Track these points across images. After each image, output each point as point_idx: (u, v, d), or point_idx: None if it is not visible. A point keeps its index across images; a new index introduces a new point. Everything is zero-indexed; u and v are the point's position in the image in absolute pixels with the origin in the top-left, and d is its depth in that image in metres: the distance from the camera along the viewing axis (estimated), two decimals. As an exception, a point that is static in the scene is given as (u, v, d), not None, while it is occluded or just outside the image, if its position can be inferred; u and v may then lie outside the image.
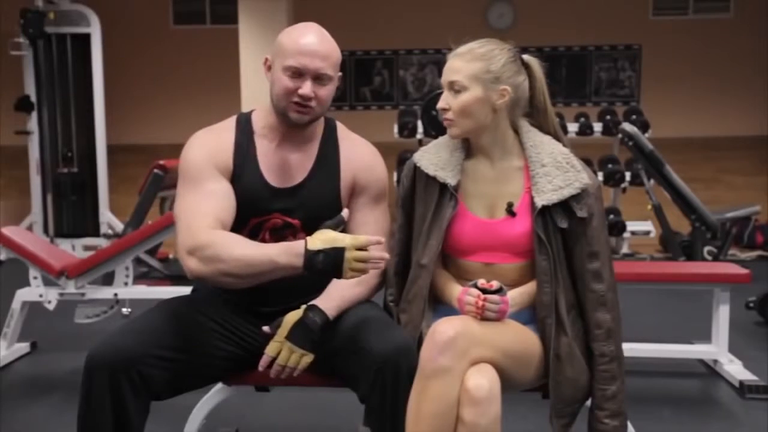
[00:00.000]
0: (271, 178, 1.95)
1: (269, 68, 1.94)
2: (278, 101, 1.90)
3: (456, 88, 1.87)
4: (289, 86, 1.87)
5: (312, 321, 1.83)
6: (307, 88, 1.86)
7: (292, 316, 1.84)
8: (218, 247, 1.74)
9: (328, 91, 1.91)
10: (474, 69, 1.86)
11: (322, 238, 1.70)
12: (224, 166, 1.92)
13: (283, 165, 1.96)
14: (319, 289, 1.95)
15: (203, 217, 1.81)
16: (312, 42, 1.87)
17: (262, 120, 2.00)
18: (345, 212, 1.82)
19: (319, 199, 1.96)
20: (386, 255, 1.77)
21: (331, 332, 1.88)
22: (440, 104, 1.91)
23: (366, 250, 1.70)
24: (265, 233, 1.95)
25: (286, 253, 1.71)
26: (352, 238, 1.71)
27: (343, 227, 1.80)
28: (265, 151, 1.97)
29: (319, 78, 1.87)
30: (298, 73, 1.86)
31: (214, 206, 1.84)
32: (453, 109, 1.88)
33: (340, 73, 1.95)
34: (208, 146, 1.93)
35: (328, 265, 1.68)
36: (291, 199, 1.95)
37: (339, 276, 1.71)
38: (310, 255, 1.68)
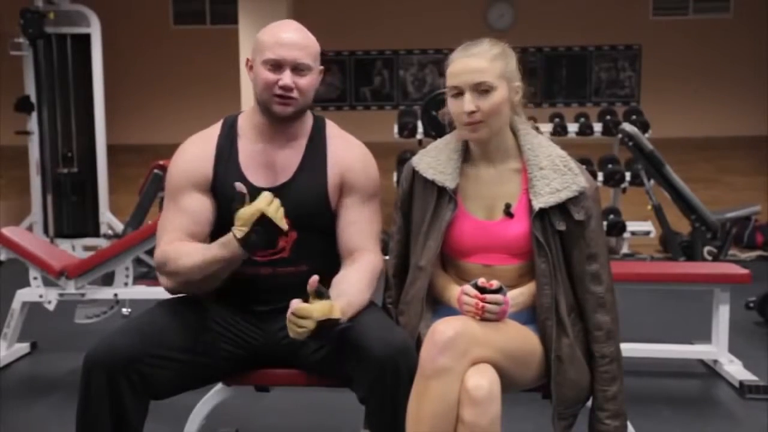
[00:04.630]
0: (256, 178, 1.96)
1: (251, 68, 1.96)
2: (261, 95, 1.93)
3: (483, 89, 1.84)
4: (269, 78, 1.89)
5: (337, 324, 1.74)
6: (287, 78, 1.89)
7: (321, 309, 1.71)
8: (172, 262, 1.86)
9: (308, 81, 1.93)
10: (499, 68, 1.86)
11: (242, 221, 1.75)
12: (203, 178, 1.97)
13: (268, 164, 1.98)
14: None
15: (167, 234, 1.94)
16: (289, 35, 1.92)
17: (248, 121, 2.02)
18: (238, 185, 1.80)
19: (306, 198, 1.97)
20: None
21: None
22: (467, 107, 1.83)
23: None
24: None
25: (225, 246, 1.79)
26: (262, 200, 1.75)
27: (247, 198, 1.78)
28: (249, 151, 1.98)
29: (298, 68, 1.90)
30: (277, 65, 1.89)
31: (184, 222, 1.94)
32: (484, 110, 1.85)
33: (321, 67, 1.98)
34: (188, 159, 1.99)
35: (265, 238, 1.75)
36: (278, 198, 1.95)
37: (283, 233, 1.76)
38: (243, 242, 1.75)
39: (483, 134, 1.89)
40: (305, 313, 1.69)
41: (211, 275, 1.84)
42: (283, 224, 1.76)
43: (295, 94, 1.90)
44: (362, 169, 2.02)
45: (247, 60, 1.98)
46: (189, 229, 1.94)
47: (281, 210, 1.77)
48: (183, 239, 1.93)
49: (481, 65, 1.85)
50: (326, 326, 1.71)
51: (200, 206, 1.96)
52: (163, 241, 1.94)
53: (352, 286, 1.88)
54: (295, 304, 1.70)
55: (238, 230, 1.75)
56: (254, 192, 1.94)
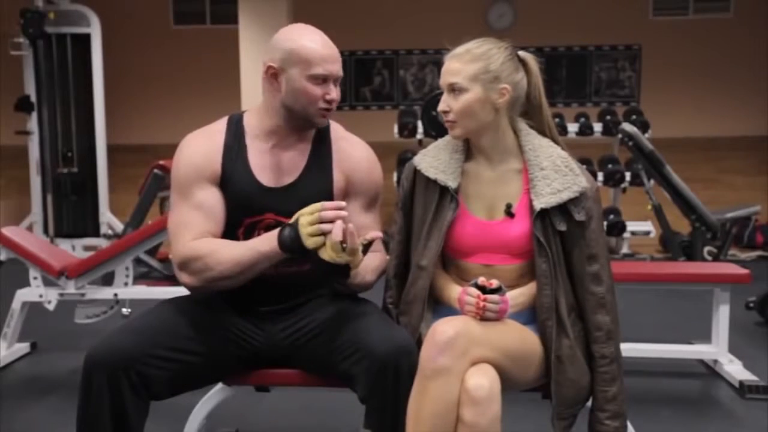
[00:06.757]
0: (263, 177, 1.96)
1: (274, 75, 1.91)
2: (305, 108, 1.91)
3: (456, 90, 1.88)
4: (317, 93, 1.90)
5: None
6: (334, 92, 1.92)
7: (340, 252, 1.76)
8: (205, 258, 1.83)
9: (339, 91, 1.96)
10: (473, 69, 1.86)
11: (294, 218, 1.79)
12: (212, 172, 1.94)
13: (275, 165, 1.97)
14: (317, 286, 1.96)
15: (188, 231, 1.90)
16: (328, 49, 1.92)
17: (256, 122, 2.00)
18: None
19: (312, 198, 1.94)
20: (342, 212, 1.75)
21: (331, 332, 1.88)
22: (441, 107, 1.91)
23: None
24: (259, 233, 1.94)
25: (267, 239, 1.81)
26: (309, 207, 1.78)
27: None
28: (258, 151, 1.97)
29: (337, 80, 1.94)
30: (323, 80, 1.90)
31: (201, 218, 1.91)
32: (454, 110, 1.88)
33: None
34: (197, 153, 1.96)
35: (292, 238, 1.77)
36: (283, 198, 1.95)
37: (305, 247, 1.75)
38: (279, 233, 1.79)
39: (456, 133, 1.93)
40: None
41: (246, 269, 1.82)
42: (308, 241, 1.74)
43: (334, 105, 1.94)
44: (367, 171, 2.02)
45: (270, 66, 1.91)
46: (205, 227, 1.90)
47: (313, 228, 1.74)
48: (203, 238, 1.89)
49: (455, 67, 1.89)
50: (334, 266, 1.74)
51: (214, 201, 1.93)
52: (184, 239, 1.88)
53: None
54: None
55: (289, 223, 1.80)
56: (262, 191, 1.95)
